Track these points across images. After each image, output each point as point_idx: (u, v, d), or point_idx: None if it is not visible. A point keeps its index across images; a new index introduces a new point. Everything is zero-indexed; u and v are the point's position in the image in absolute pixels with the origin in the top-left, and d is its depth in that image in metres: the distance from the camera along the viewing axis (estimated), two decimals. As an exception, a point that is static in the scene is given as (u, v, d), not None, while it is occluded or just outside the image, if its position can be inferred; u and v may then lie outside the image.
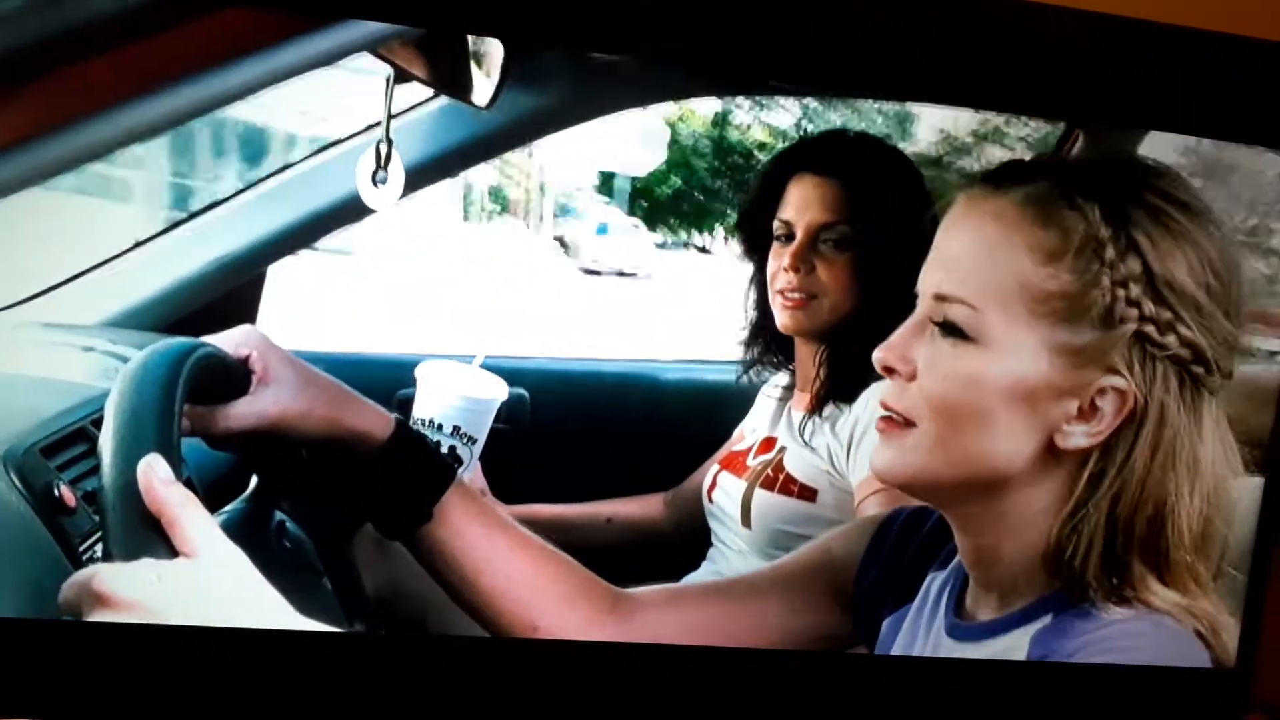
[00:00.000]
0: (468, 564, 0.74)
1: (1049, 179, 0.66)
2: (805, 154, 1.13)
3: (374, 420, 0.74)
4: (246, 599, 0.58)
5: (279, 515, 0.82)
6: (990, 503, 0.66)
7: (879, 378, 1.08)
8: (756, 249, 1.16)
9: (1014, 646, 0.66)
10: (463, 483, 0.76)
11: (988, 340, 0.64)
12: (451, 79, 1.03)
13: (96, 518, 0.76)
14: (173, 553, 0.58)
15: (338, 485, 0.77)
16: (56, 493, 0.72)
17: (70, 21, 0.46)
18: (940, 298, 0.66)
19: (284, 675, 0.62)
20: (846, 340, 1.10)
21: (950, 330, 0.65)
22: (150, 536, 0.57)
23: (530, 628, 0.75)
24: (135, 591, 0.55)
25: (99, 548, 0.75)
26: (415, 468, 0.74)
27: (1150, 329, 0.63)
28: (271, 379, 0.71)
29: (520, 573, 0.75)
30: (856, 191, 1.08)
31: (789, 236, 1.11)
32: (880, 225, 1.07)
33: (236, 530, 0.73)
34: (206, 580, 0.57)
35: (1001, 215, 0.65)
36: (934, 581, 0.75)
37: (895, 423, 0.68)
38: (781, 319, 1.13)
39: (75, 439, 0.80)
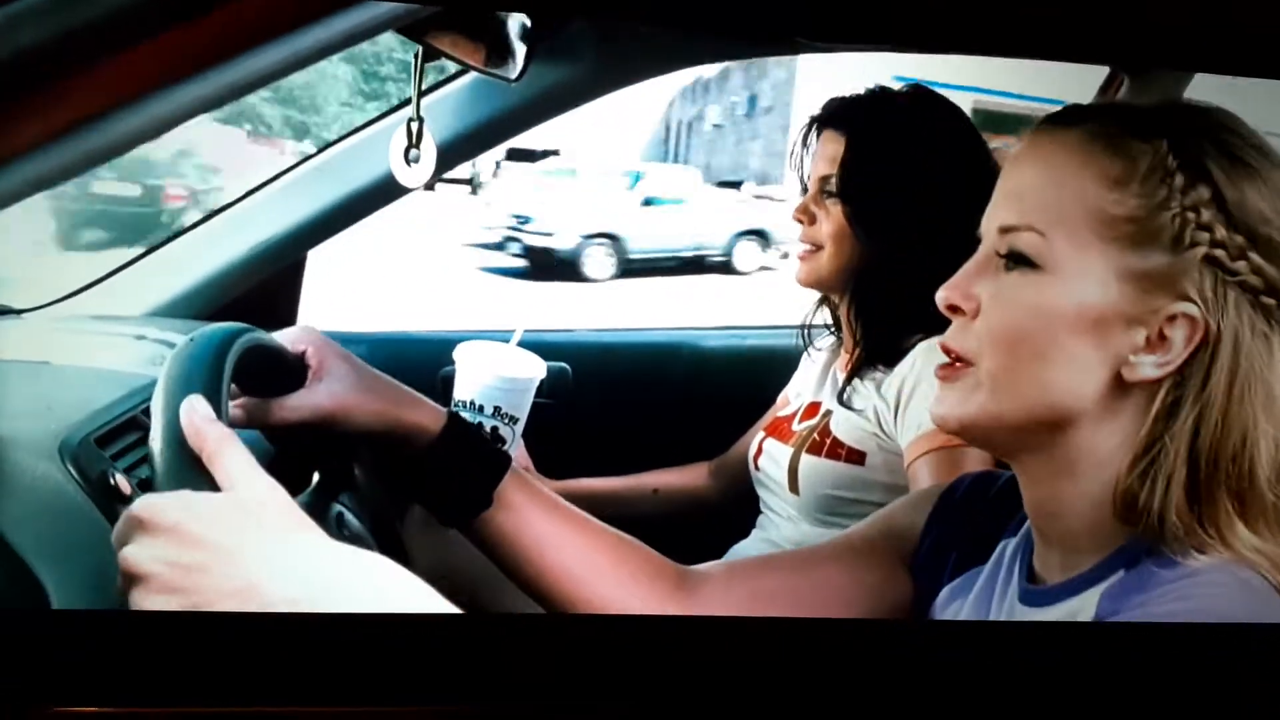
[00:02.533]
0: (529, 547, 0.75)
1: (1115, 118, 0.65)
2: (831, 111, 1.14)
3: (427, 414, 0.75)
4: (285, 530, 0.58)
5: (337, 507, 0.84)
6: (1057, 445, 0.65)
7: (913, 333, 1.09)
8: None
9: (1087, 606, 0.64)
10: (518, 470, 0.77)
11: (1056, 267, 0.63)
12: (479, 54, 1.03)
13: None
14: (215, 488, 0.59)
15: (394, 478, 0.79)
16: (112, 481, 0.74)
17: (96, 14, 0.47)
18: (1006, 229, 0.65)
19: (335, 653, 0.63)
20: (864, 294, 1.11)
21: (1017, 260, 0.64)
22: (193, 473, 0.59)
23: (594, 607, 0.75)
24: (172, 515, 0.56)
25: None
26: (471, 458, 0.75)
27: (1221, 254, 0.61)
28: (326, 373, 0.73)
29: (581, 554, 0.76)
30: (857, 144, 1.09)
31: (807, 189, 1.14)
32: (867, 174, 1.08)
33: None
34: (245, 511, 0.57)
35: (1068, 146, 0.64)
36: (1006, 548, 0.74)
37: (955, 367, 0.67)
38: (796, 274, 1.15)
39: (128, 428, 0.82)
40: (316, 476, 0.83)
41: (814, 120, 1.14)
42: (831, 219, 1.10)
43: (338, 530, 0.82)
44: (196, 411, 0.60)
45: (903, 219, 1.05)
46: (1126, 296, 0.62)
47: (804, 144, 1.15)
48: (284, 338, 0.74)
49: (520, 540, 0.75)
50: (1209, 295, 0.61)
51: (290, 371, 0.73)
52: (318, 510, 0.82)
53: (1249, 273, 0.61)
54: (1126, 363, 0.62)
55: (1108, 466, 0.64)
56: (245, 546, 0.56)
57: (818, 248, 1.12)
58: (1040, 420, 0.64)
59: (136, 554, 0.55)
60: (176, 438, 0.59)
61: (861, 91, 1.13)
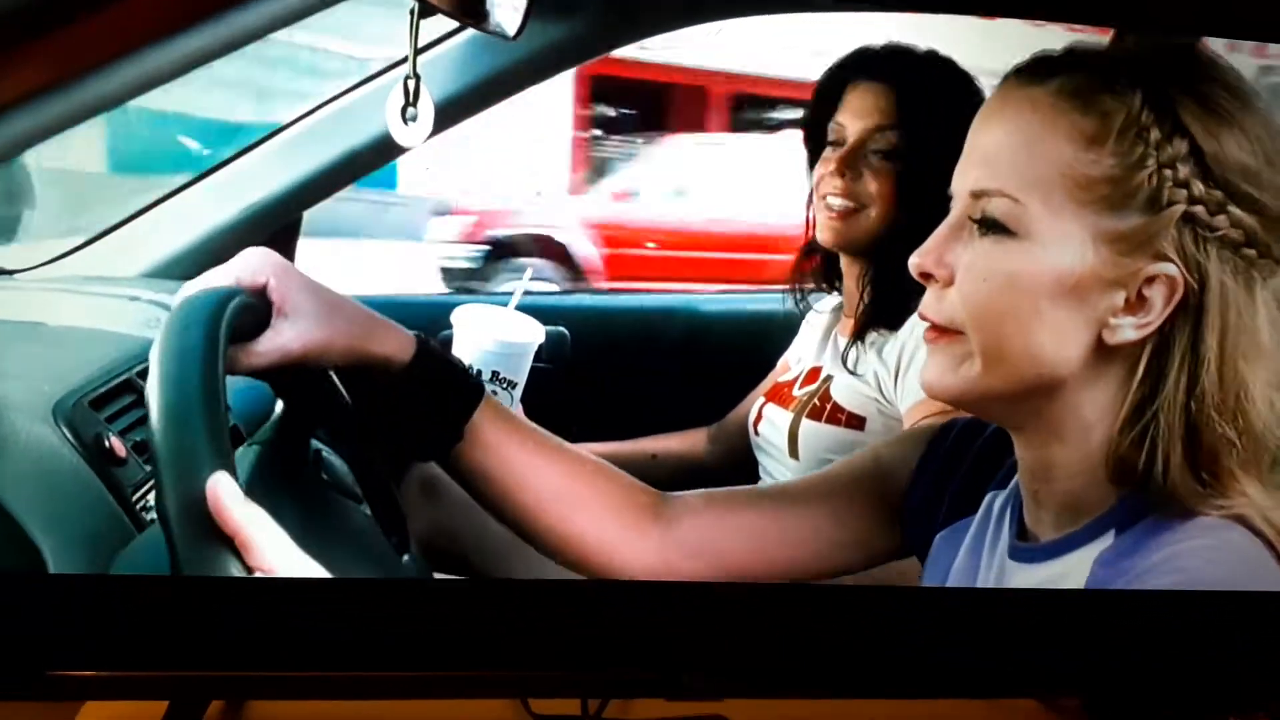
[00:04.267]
0: (506, 480, 0.73)
1: (1085, 69, 0.63)
2: (864, 61, 1.09)
3: (396, 343, 0.71)
4: None
5: (315, 445, 0.81)
6: (1046, 411, 0.64)
7: (918, 298, 1.07)
8: (817, 160, 1.12)
9: (1077, 567, 0.64)
10: (493, 400, 0.74)
11: (1030, 233, 0.62)
12: (477, 10, 1.01)
13: (148, 468, 0.77)
14: (245, 568, 0.57)
15: (367, 410, 0.76)
16: (107, 444, 0.73)
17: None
18: (978, 194, 0.63)
19: (327, 619, 0.63)
20: (890, 259, 1.07)
21: (990, 227, 0.63)
22: (219, 551, 0.56)
23: (574, 539, 0.74)
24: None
25: (151, 498, 0.76)
26: (442, 388, 0.72)
27: (1200, 210, 0.60)
28: (290, 310, 0.67)
29: (560, 485, 0.74)
30: (911, 100, 1.04)
31: (842, 142, 1.07)
32: (931, 136, 1.01)
33: (273, 464, 0.72)
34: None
35: (1038, 104, 0.62)
36: (995, 501, 0.74)
37: (945, 333, 0.66)
38: (824, 233, 1.09)
39: (122, 390, 0.81)
40: (279, 407, 0.79)
41: (844, 70, 1.09)
42: (883, 178, 1.05)
43: (316, 471, 0.80)
44: (223, 492, 0.56)
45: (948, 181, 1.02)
46: (1104, 259, 0.61)
47: (829, 95, 1.09)
48: (244, 268, 0.67)
49: (497, 473, 0.73)
50: (1188, 254, 0.60)
51: (258, 313, 0.67)
52: (293, 450, 0.78)
53: (1229, 227, 0.60)
54: (1107, 325, 0.62)
55: (1097, 429, 0.63)
56: None
57: (859, 207, 1.07)
58: (1028, 388, 0.64)
59: None
60: (198, 512, 0.56)
61: (894, 44, 1.07)
